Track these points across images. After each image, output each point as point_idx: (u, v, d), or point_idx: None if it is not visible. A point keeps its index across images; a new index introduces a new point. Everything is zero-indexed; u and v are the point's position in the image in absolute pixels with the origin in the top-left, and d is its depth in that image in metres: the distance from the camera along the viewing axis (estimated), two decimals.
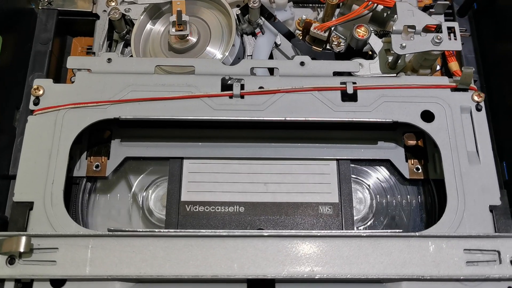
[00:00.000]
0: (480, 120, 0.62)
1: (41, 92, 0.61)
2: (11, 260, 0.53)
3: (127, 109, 0.61)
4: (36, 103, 0.61)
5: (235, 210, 0.63)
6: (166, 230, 0.57)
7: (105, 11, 0.78)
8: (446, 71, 0.75)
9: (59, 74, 0.78)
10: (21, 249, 0.52)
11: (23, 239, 0.52)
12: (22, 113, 0.71)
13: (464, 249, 0.55)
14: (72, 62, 0.64)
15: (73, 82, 0.64)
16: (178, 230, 0.57)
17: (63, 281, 0.53)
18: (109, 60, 0.64)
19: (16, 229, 0.55)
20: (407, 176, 0.65)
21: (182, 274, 0.53)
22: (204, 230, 0.55)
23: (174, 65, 0.66)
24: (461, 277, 0.54)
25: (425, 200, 0.66)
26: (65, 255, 0.53)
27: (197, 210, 0.62)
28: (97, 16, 0.78)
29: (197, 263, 0.54)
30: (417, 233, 0.56)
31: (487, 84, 0.76)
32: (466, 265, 0.54)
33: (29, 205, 0.57)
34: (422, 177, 0.66)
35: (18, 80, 0.72)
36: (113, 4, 0.78)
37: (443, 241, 0.55)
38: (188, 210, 0.62)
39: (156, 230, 0.56)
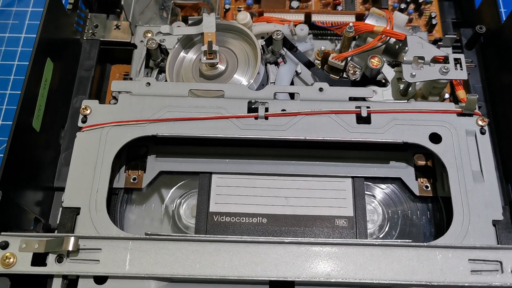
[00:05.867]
0: (484, 142, 0.68)
1: (88, 111, 0.69)
2: (59, 259, 0.59)
3: (164, 127, 0.68)
4: (84, 121, 0.69)
5: (258, 221, 0.68)
6: (197, 235, 0.63)
7: (142, 41, 0.86)
8: (455, 99, 0.80)
9: (99, 97, 0.86)
10: (70, 248, 0.58)
11: (72, 239, 0.58)
12: (66, 131, 0.78)
13: (469, 259, 0.59)
14: (116, 85, 0.72)
15: (114, 104, 0.71)
16: (207, 236, 0.62)
17: (105, 278, 0.59)
18: (148, 84, 0.72)
19: (65, 231, 0.62)
20: (417, 193, 0.71)
21: (210, 275, 0.59)
22: (231, 236, 0.61)
23: (206, 89, 0.73)
24: (466, 284, 0.58)
25: (433, 216, 0.70)
26: (107, 255, 0.59)
27: (223, 220, 0.68)
28: (134, 46, 0.86)
29: (224, 265, 0.59)
30: (425, 244, 0.60)
31: (494, 112, 0.81)
32: (470, 273, 0.59)
33: (76, 211, 0.63)
34: (431, 195, 0.71)
35: (64, 102, 0.80)
36: (149, 35, 0.86)
37: (449, 251, 0.60)
38: (215, 220, 0.68)
39: (188, 235, 0.62)
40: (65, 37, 0.81)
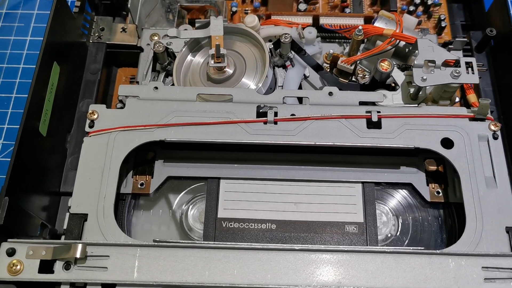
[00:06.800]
0: (497, 147, 0.67)
1: (95, 116, 0.68)
2: (67, 266, 0.58)
3: (172, 132, 0.67)
4: (91, 126, 0.68)
5: (267, 227, 0.68)
6: (206, 242, 0.62)
7: (148, 44, 0.85)
8: (465, 103, 0.79)
9: (105, 101, 0.85)
10: (78, 256, 0.57)
11: (80, 246, 0.57)
12: (73, 135, 0.78)
13: (482, 267, 0.59)
14: (123, 89, 0.71)
15: (121, 108, 0.71)
16: (216, 242, 0.61)
17: (113, 286, 0.58)
18: (156, 88, 0.71)
19: (72, 238, 0.61)
20: (428, 199, 0.70)
21: (220, 283, 0.58)
22: (240, 243, 0.60)
23: (214, 94, 0.72)
24: None
25: (445, 222, 0.70)
26: (115, 262, 0.59)
27: (232, 226, 0.68)
28: (141, 49, 0.85)
29: (233, 273, 0.58)
30: (438, 251, 0.60)
31: (504, 116, 0.80)
32: (484, 281, 0.58)
33: (84, 217, 0.62)
34: (443, 200, 0.70)
35: (70, 106, 0.79)
36: (156, 38, 0.85)
37: (462, 258, 0.59)
38: (224, 226, 0.67)
39: (197, 242, 0.61)
40: (71, 40, 0.81)
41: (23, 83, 0.95)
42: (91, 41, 0.85)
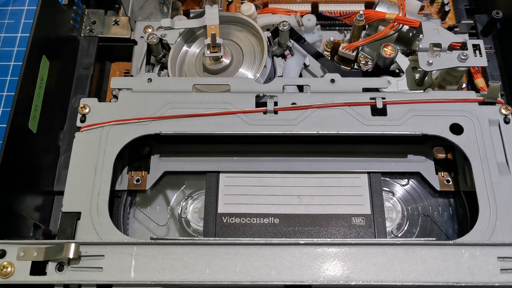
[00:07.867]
0: (509, 132, 0.64)
1: (87, 110, 0.65)
2: (60, 267, 0.56)
3: (167, 125, 0.64)
4: (82, 120, 0.65)
5: (270, 222, 0.65)
6: (206, 239, 0.59)
7: (142, 37, 0.82)
8: (473, 88, 0.77)
9: (99, 96, 0.82)
10: (71, 256, 0.54)
11: (73, 246, 0.55)
12: (65, 132, 0.75)
13: (498, 257, 0.56)
14: (115, 82, 0.68)
15: (114, 102, 0.68)
16: (217, 239, 0.59)
17: (109, 286, 0.55)
18: (150, 80, 0.68)
19: (65, 238, 0.58)
20: (437, 188, 0.67)
21: (222, 280, 0.55)
22: (242, 239, 0.57)
23: (211, 84, 0.69)
24: (496, 284, 0.54)
25: (456, 212, 0.67)
26: (111, 262, 0.56)
27: (233, 221, 0.65)
28: (134, 42, 0.83)
29: (236, 270, 0.55)
30: (451, 241, 0.57)
31: None
32: (500, 272, 0.55)
33: (77, 215, 0.60)
34: (453, 189, 0.67)
35: (62, 102, 0.76)
36: (149, 30, 0.82)
37: (476, 249, 0.56)
38: (224, 221, 0.65)
39: (197, 239, 0.58)
40: (62, 34, 0.78)
41: (14, 81, 0.93)
42: (82, 35, 0.82)
